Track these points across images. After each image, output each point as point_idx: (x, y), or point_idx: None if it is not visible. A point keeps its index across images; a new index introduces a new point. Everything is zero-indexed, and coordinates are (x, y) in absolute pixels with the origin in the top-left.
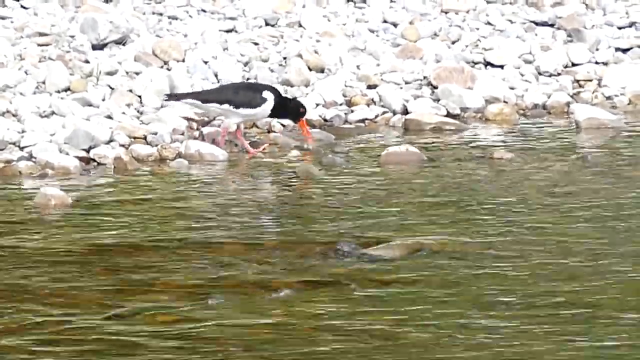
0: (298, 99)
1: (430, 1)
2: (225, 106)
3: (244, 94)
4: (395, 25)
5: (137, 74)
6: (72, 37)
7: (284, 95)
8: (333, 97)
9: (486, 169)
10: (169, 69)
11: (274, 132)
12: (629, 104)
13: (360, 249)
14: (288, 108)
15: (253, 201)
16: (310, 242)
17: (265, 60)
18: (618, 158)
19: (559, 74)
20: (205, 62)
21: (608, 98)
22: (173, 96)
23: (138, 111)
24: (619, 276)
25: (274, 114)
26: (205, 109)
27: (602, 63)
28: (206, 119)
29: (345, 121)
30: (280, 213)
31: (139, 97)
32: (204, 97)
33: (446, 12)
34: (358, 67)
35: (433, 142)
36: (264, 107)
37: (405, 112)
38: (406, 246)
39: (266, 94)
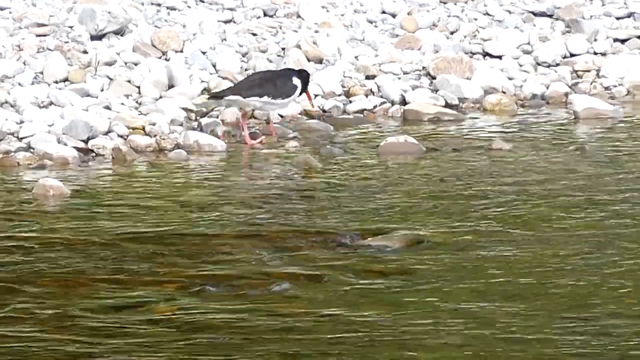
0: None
1: None
2: (265, 99)
3: (281, 85)
4: (393, 15)
5: (135, 64)
6: (71, 27)
7: (304, 73)
8: (331, 87)
9: (485, 160)
10: (167, 60)
11: (273, 122)
12: (627, 94)
13: (358, 240)
14: (306, 85)
15: (251, 192)
16: (309, 233)
17: (263, 51)
18: (616, 148)
19: (557, 65)
20: (204, 53)
21: (606, 88)
22: (214, 95)
23: (136, 102)
24: (618, 265)
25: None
26: (245, 104)
27: (601, 53)
28: (238, 112)
29: (344, 112)
30: (278, 204)
31: (138, 87)
32: (245, 92)
33: (445, 3)
34: (356, 57)
35: (431, 133)
36: (295, 94)
37: (404, 102)
38: (405, 237)
39: (295, 81)
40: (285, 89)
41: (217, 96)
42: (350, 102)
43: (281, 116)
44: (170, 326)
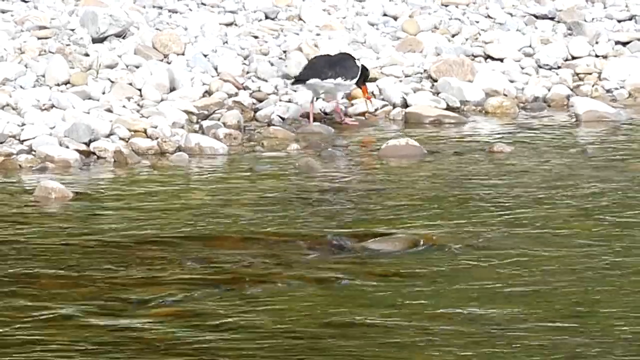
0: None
1: None
2: (339, 80)
3: (349, 66)
4: (395, 18)
5: (137, 67)
6: (72, 30)
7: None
8: None
9: (486, 163)
10: (169, 62)
11: (274, 125)
12: (628, 97)
13: (351, 242)
14: (363, 74)
15: (252, 195)
16: (310, 236)
17: (265, 54)
18: (618, 151)
19: (559, 67)
20: (205, 56)
21: (608, 91)
22: (298, 80)
23: (138, 104)
24: (617, 269)
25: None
26: (321, 87)
27: (602, 56)
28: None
29: (346, 114)
30: (279, 206)
31: (139, 90)
32: (323, 75)
33: (446, 5)
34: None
35: (433, 135)
36: (358, 76)
37: (405, 105)
38: (406, 239)
39: (358, 63)
40: (354, 71)
41: (301, 80)
42: (352, 104)
43: (282, 119)
44: (171, 328)
